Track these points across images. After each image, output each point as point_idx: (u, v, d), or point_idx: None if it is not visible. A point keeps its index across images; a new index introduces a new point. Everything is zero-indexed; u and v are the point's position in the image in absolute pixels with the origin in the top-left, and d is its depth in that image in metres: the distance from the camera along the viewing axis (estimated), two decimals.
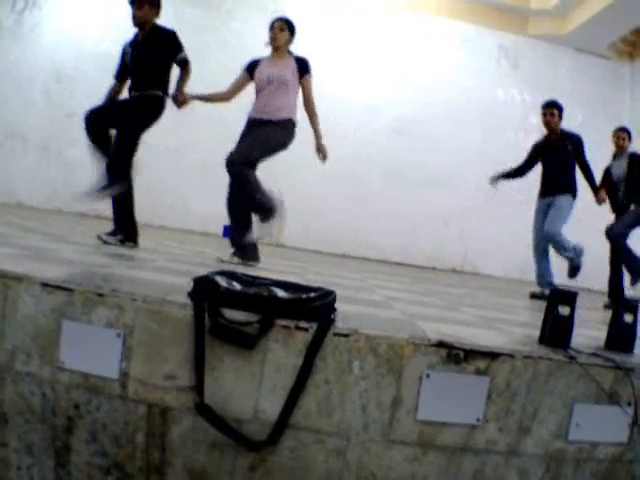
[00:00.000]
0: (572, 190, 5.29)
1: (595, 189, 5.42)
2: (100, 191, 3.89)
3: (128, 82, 4.12)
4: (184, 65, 4.07)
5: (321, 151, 4.19)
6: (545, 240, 5.26)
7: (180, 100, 4.10)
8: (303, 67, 4.15)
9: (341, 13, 9.29)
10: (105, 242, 3.95)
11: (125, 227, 4.08)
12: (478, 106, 9.58)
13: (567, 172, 5.30)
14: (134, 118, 3.94)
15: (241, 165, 3.89)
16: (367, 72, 9.15)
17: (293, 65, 4.14)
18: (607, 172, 5.59)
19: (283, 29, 4.15)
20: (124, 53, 4.13)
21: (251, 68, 4.23)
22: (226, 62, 9.27)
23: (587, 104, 9.49)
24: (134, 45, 4.08)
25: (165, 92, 4.06)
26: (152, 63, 4.00)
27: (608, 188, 5.49)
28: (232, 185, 4.06)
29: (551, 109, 5.26)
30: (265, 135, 4.03)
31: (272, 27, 4.17)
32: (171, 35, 4.02)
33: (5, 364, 1.93)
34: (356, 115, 9.15)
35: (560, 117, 5.28)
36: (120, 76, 4.16)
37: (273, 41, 4.16)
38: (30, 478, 1.96)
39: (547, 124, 5.29)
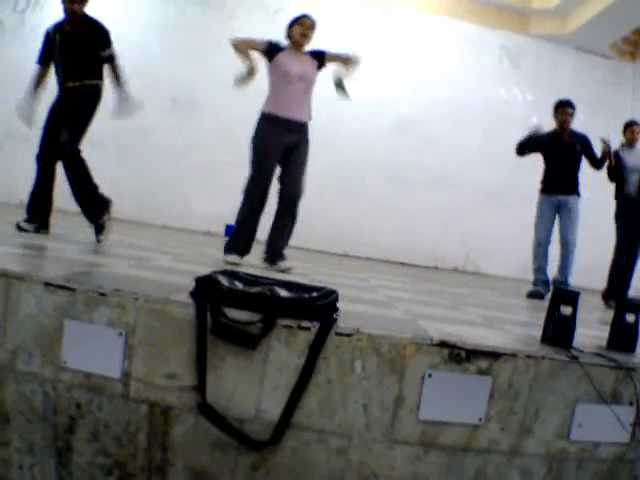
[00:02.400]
0: (579, 192, 5.33)
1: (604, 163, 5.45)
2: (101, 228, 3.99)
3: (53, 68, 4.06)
4: (110, 61, 3.94)
5: (341, 84, 4.03)
6: (567, 249, 5.21)
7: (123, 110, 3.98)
8: (320, 56, 4.00)
9: (343, 12, 9.27)
10: (22, 229, 3.91)
11: (92, 208, 4.10)
12: (480, 106, 9.56)
13: (577, 172, 5.36)
14: (82, 113, 3.96)
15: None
16: (368, 71, 9.11)
17: (313, 62, 3.99)
18: (617, 157, 5.53)
19: (313, 28, 3.96)
20: (48, 39, 4.04)
21: (273, 52, 3.91)
22: (226, 61, 9.29)
23: (589, 104, 9.45)
24: (63, 35, 3.98)
25: (101, 81, 4.00)
26: (87, 53, 3.93)
27: (615, 173, 5.49)
28: (285, 214, 3.94)
29: (569, 108, 5.29)
30: (306, 156, 3.97)
31: (301, 23, 3.91)
32: (100, 28, 3.96)
33: (7, 363, 1.93)
34: (357, 114, 9.12)
35: (573, 117, 5.34)
36: (44, 61, 4.11)
37: (303, 37, 3.91)
38: (31, 477, 1.96)
39: (564, 123, 5.29)
